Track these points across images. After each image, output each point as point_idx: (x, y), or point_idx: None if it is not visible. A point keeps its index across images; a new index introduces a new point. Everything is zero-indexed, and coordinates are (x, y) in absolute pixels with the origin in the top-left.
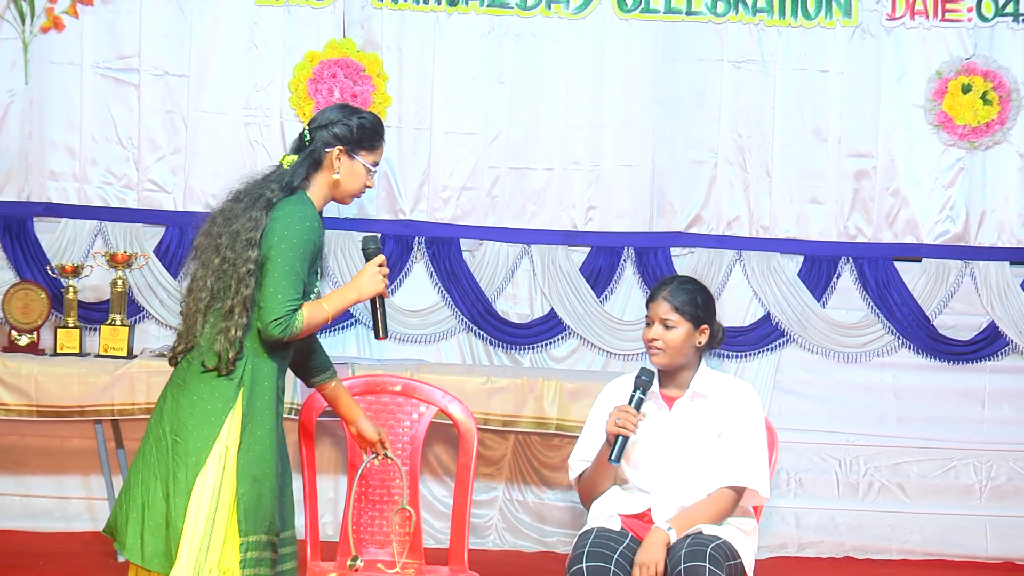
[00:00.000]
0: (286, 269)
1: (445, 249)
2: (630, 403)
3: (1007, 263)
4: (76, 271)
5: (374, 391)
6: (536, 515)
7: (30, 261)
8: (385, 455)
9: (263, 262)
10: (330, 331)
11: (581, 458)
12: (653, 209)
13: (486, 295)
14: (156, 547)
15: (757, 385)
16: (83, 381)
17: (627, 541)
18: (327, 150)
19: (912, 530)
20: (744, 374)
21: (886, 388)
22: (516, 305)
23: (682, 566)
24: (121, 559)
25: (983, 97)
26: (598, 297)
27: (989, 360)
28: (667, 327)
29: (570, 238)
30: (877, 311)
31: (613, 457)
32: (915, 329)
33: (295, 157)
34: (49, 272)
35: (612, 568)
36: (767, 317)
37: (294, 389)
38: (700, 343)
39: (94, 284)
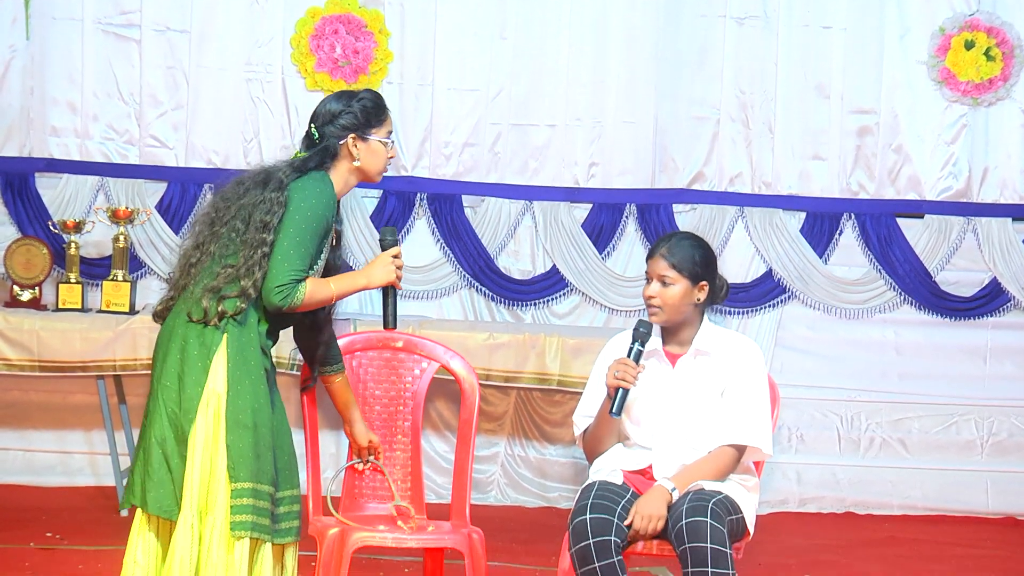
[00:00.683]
0: (296, 240)
1: (447, 205)
2: (629, 355)
3: (1009, 219)
4: (78, 227)
5: (376, 347)
6: (538, 470)
7: (32, 217)
8: (372, 461)
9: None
10: None
11: (585, 414)
12: (655, 166)
13: (488, 251)
14: (162, 497)
15: (759, 341)
16: (85, 337)
17: (628, 495)
18: (340, 143)
19: (913, 486)
20: (746, 330)
21: (888, 344)
22: (518, 261)
23: (683, 522)
24: (124, 513)
25: (986, 53)
26: (600, 253)
27: (991, 316)
28: (665, 284)
29: (572, 194)
30: (879, 267)
31: (614, 410)
32: (917, 285)
33: (307, 153)
34: (51, 228)
35: (615, 520)
36: (769, 273)
37: (295, 345)
38: (699, 300)
39: (96, 240)
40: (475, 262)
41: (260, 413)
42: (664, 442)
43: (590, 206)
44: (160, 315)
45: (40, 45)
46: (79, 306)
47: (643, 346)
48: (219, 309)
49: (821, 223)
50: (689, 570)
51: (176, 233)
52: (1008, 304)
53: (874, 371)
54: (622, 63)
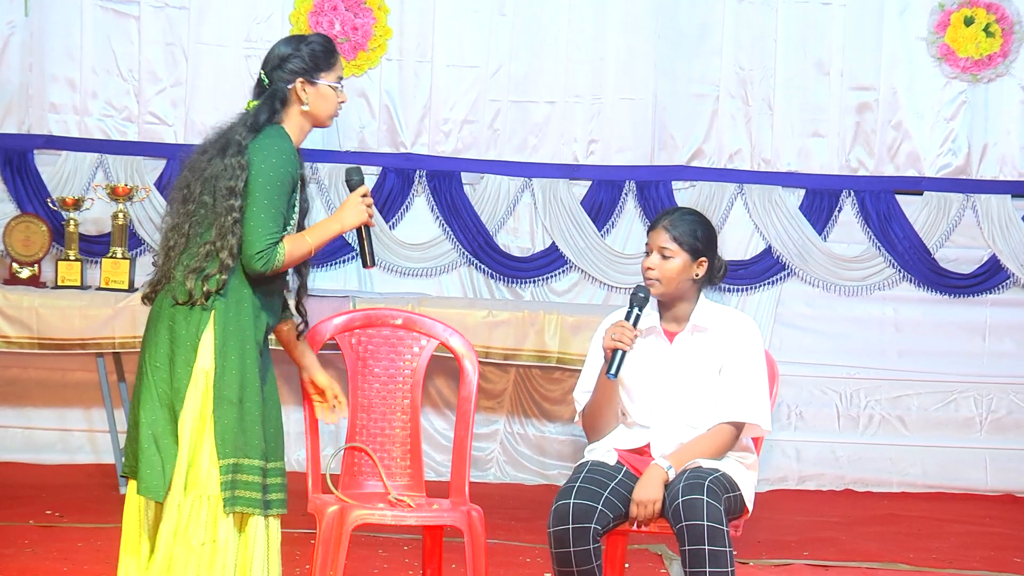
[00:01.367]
0: (264, 203)
1: (446, 183)
2: (627, 319)
3: (1008, 196)
4: (77, 204)
5: (375, 324)
6: (537, 448)
7: (31, 194)
8: (364, 448)
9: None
10: (331, 265)
11: (584, 390)
12: (655, 143)
13: (487, 229)
14: (150, 478)
15: (758, 318)
16: (84, 314)
17: (621, 476)
18: (289, 87)
19: (912, 463)
20: (745, 307)
21: (887, 321)
22: (517, 239)
23: (679, 500)
24: (123, 491)
25: (985, 30)
26: (599, 231)
27: (990, 293)
28: (664, 256)
29: (571, 172)
30: (878, 244)
31: (612, 372)
32: (916, 262)
33: (258, 103)
34: (50, 205)
35: (599, 507)
36: (768, 251)
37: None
38: (697, 275)
39: (95, 217)
40: (474, 239)
41: (248, 387)
42: (662, 419)
43: (589, 183)
44: (148, 297)
45: (39, 21)
46: (78, 283)
47: (641, 310)
48: (204, 289)
49: (820, 200)
50: (686, 548)
51: None
52: (1007, 281)
53: (873, 348)
54: (621, 40)
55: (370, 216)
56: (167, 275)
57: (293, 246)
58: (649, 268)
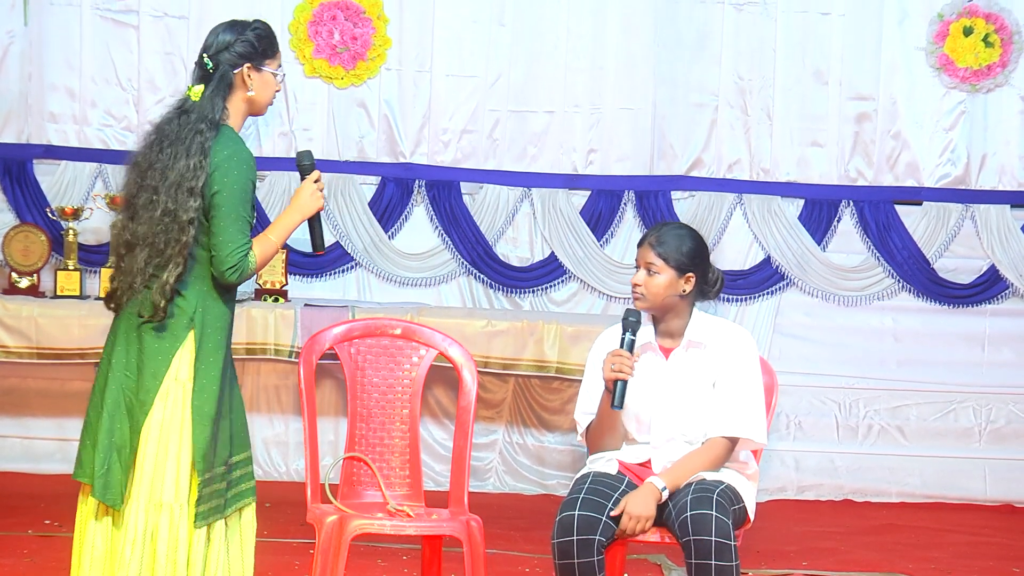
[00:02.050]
0: (232, 216)
1: (445, 192)
2: (622, 346)
3: (1008, 206)
4: (76, 213)
5: (374, 334)
6: (536, 458)
7: (30, 203)
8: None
9: (208, 209)
10: (330, 275)
11: (585, 411)
12: (654, 152)
13: (486, 238)
14: (110, 485)
15: (757, 328)
16: (83, 323)
17: (623, 487)
18: (235, 71)
19: (911, 473)
20: (744, 317)
21: (886, 331)
22: (516, 248)
23: (688, 513)
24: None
25: (984, 40)
26: (598, 240)
27: (989, 303)
28: (650, 273)
29: (570, 181)
30: (877, 254)
31: (616, 403)
32: (915, 272)
33: (202, 87)
34: (49, 214)
35: (603, 519)
36: (767, 260)
37: (294, 333)
38: (685, 291)
39: (94, 226)
40: (473, 249)
41: (223, 401)
42: (663, 436)
43: (588, 193)
44: (108, 300)
45: (38, 31)
46: (77, 293)
47: (634, 335)
48: (163, 304)
49: (819, 210)
50: (693, 562)
51: None
52: (1006, 291)
53: (872, 358)
54: (620, 49)
55: (322, 199)
56: (132, 285)
57: (261, 250)
58: (636, 284)
